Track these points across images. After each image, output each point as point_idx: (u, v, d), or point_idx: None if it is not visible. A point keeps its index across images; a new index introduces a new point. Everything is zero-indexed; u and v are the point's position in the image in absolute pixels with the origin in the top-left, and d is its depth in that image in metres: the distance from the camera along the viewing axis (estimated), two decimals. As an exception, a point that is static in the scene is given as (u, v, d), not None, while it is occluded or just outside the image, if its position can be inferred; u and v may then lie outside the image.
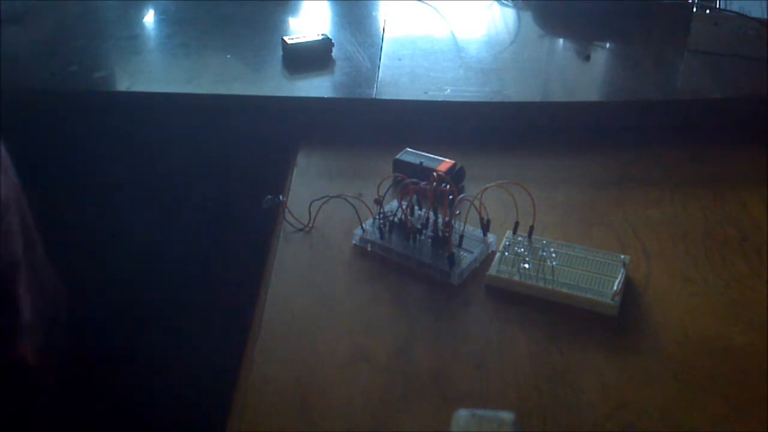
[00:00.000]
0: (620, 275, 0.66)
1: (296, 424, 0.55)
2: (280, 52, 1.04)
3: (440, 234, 0.70)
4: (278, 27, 1.15)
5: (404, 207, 0.71)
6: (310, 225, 0.76)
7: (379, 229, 0.72)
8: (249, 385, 0.59)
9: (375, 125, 0.94)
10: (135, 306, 1.11)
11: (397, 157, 0.83)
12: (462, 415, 0.49)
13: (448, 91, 0.95)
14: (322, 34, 1.04)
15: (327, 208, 0.76)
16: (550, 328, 0.64)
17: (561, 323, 0.64)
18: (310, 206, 0.75)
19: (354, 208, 0.75)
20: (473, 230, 0.72)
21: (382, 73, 1.00)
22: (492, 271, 0.68)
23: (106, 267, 1.08)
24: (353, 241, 0.74)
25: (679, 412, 0.56)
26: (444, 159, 0.82)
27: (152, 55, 1.08)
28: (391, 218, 0.72)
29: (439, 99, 0.94)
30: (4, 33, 1.08)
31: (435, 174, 0.69)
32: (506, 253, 0.69)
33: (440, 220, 0.70)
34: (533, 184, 0.72)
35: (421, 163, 0.81)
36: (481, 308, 0.66)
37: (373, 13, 1.22)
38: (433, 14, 1.21)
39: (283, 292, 0.68)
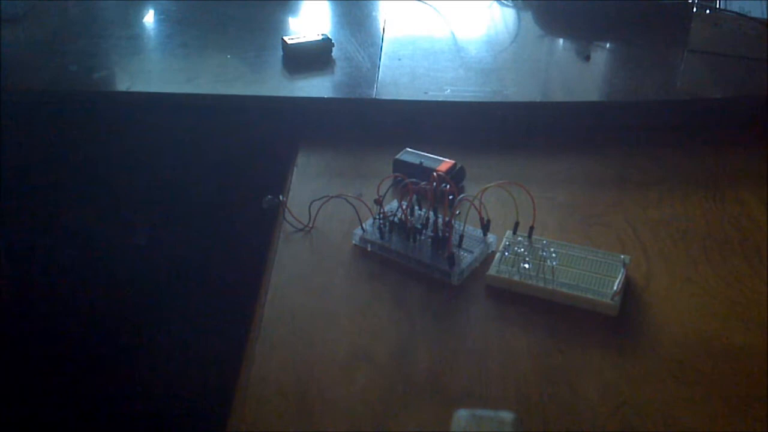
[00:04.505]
0: (620, 275, 0.66)
1: (296, 424, 0.55)
2: (280, 52, 1.04)
3: (440, 234, 0.70)
4: (278, 27, 1.15)
5: (404, 207, 0.71)
6: (310, 225, 0.76)
7: (379, 229, 0.72)
8: (249, 385, 0.59)
9: (375, 125, 0.94)
10: (135, 306, 1.11)
11: (397, 157, 0.83)
12: (462, 415, 0.49)
13: (448, 91, 0.95)
14: (322, 34, 1.04)
15: (327, 208, 0.76)
16: (550, 328, 0.64)
17: (561, 323, 0.64)
18: (310, 206, 0.75)
19: (354, 208, 0.75)
20: (473, 230, 0.72)
21: (382, 73, 1.00)
22: (492, 271, 0.68)
23: (106, 266, 1.08)
24: (353, 241, 0.74)
25: (679, 412, 0.56)
26: (444, 159, 0.82)
27: (152, 55, 1.08)
28: (391, 218, 0.72)
29: (439, 99, 0.94)
30: (4, 33, 1.08)
31: (435, 174, 0.69)
32: (506, 253, 0.69)
33: (440, 220, 0.70)
34: (533, 184, 0.72)
35: (421, 163, 0.81)
36: (481, 308, 0.66)
37: (373, 13, 1.22)
38: (433, 14, 1.21)
39: (283, 292, 0.68)
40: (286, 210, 0.76)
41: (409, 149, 0.84)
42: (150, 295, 1.10)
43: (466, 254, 0.70)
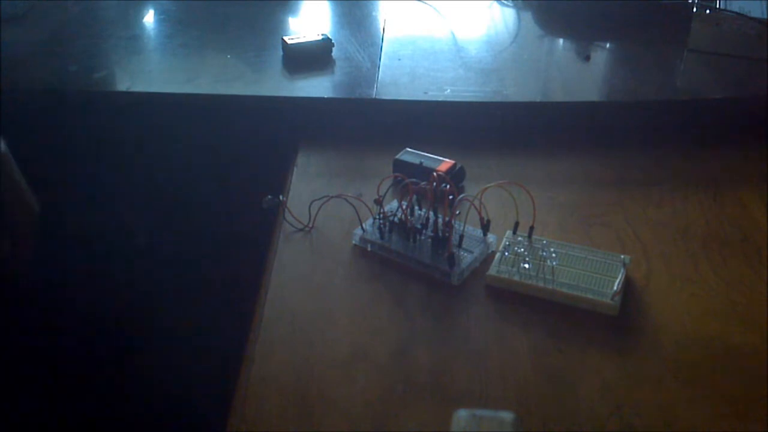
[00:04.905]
0: (620, 275, 0.66)
1: (296, 424, 0.55)
2: (280, 52, 1.04)
3: (440, 234, 0.70)
4: (278, 27, 1.15)
5: (404, 207, 0.71)
6: (310, 225, 0.76)
7: (379, 229, 0.72)
8: (249, 385, 0.59)
9: (375, 125, 0.94)
10: (134, 306, 1.11)
11: (397, 157, 0.83)
12: (462, 415, 0.49)
13: (448, 91, 0.95)
14: (322, 34, 1.04)
15: (327, 208, 0.76)
16: (550, 328, 0.64)
17: (561, 323, 0.64)
18: (310, 206, 0.75)
19: (354, 208, 0.75)
20: (473, 230, 0.72)
21: (382, 73, 1.00)
22: (492, 271, 0.68)
23: (106, 267, 1.08)
24: (353, 241, 0.74)
25: (679, 412, 0.56)
26: (444, 159, 0.82)
27: (152, 55, 1.08)
28: (391, 218, 0.72)
29: (439, 99, 0.94)
30: (4, 33, 1.08)
31: (435, 174, 0.69)
32: (506, 253, 0.69)
33: (440, 220, 0.70)
34: (533, 184, 0.72)
35: (421, 163, 0.81)
36: (481, 308, 0.66)
37: (373, 13, 1.22)
38: (433, 14, 1.21)
39: (283, 292, 0.68)
40: (286, 210, 0.76)
41: (409, 149, 0.84)
42: (150, 295, 1.09)
43: (466, 254, 0.70)
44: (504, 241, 0.71)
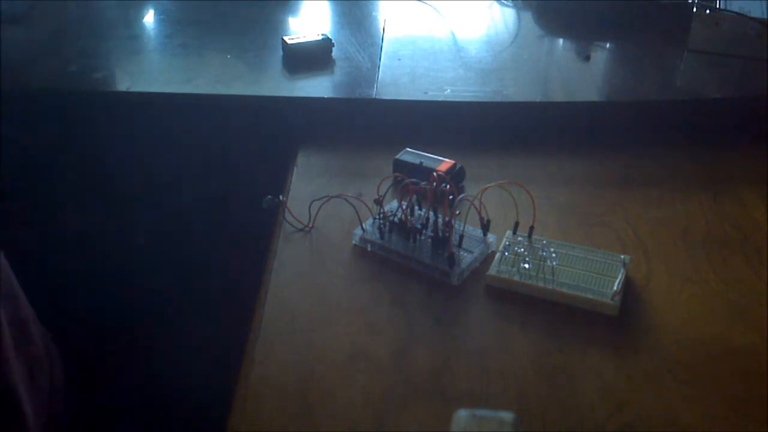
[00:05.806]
0: (620, 275, 0.66)
1: (296, 424, 0.55)
2: (280, 52, 1.04)
3: (440, 234, 0.70)
4: (278, 27, 1.15)
5: (404, 207, 0.71)
6: (310, 225, 0.76)
7: (379, 229, 0.72)
8: (249, 385, 0.59)
9: (375, 125, 0.94)
10: (135, 306, 1.11)
11: (397, 157, 0.83)
12: (462, 415, 0.49)
13: (448, 91, 0.95)
14: (322, 34, 1.04)
15: (327, 208, 0.76)
16: (550, 328, 0.64)
17: (561, 323, 0.64)
18: (310, 206, 0.75)
19: (354, 208, 0.75)
20: (473, 230, 0.72)
21: (382, 73, 1.00)
22: (492, 271, 0.68)
23: (106, 266, 1.08)
24: (353, 241, 0.74)
25: (679, 412, 0.56)
26: (444, 159, 0.82)
27: (152, 55, 1.08)
28: (391, 218, 0.72)
29: (439, 99, 0.94)
30: (4, 33, 1.08)
31: (435, 174, 0.69)
32: (506, 253, 0.69)
33: (440, 220, 0.70)
34: (533, 184, 0.72)
35: (421, 163, 0.81)
36: (481, 308, 0.66)
37: (373, 13, 1.22)
38: (433, 14, 1.21)
39: (283, 292, 0.68)
40: (286, 210, 0.76)
41: (409, 149, 0.84)
42: (150, 295, 1.09)
43: (466, 254, 0.70)
44: (504, 241, 0.71)
